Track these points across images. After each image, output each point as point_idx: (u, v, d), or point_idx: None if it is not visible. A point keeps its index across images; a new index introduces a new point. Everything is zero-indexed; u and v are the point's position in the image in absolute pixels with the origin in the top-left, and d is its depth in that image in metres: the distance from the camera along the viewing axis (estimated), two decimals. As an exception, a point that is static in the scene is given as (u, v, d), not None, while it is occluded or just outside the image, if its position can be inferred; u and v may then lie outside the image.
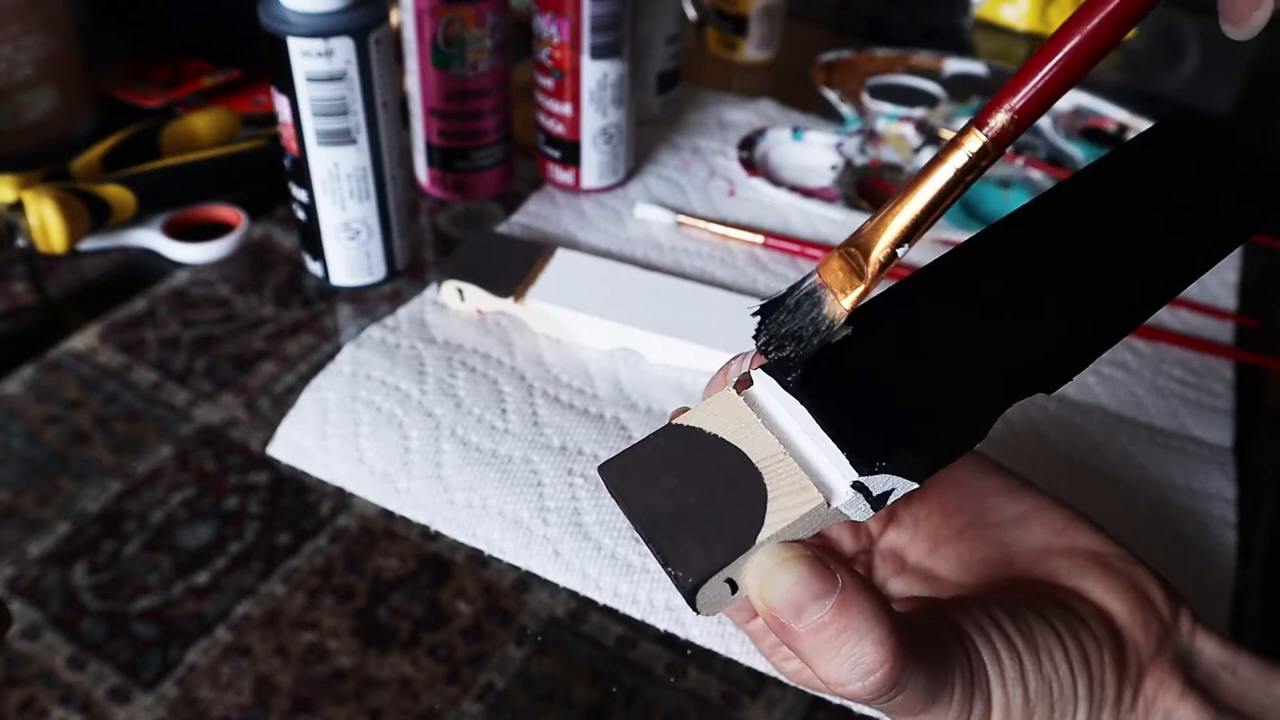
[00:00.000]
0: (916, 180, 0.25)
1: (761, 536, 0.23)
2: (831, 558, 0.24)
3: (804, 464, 0.24)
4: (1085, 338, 0.26)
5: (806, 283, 0.27)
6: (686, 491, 0.24)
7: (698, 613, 0.24)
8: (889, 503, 0.24)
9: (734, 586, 0.24)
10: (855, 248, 0.26)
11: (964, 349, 0.26)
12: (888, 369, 0.26)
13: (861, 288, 0.26)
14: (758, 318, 0.27)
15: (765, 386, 0.26)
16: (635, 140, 0.62)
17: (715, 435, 0.25)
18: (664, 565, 0.24)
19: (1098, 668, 0.27)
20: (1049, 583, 0.29)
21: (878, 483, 0.24)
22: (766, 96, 0.72)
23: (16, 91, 0.58)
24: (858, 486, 0.24)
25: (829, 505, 0.24)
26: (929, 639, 0.25)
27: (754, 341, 0.27)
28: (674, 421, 0.26)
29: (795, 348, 0.26)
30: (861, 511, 0.24)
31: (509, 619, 0.38)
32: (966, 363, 0.26)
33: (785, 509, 0.24)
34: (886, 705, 0.25)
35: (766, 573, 0.23)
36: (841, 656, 0.24)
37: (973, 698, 0.26)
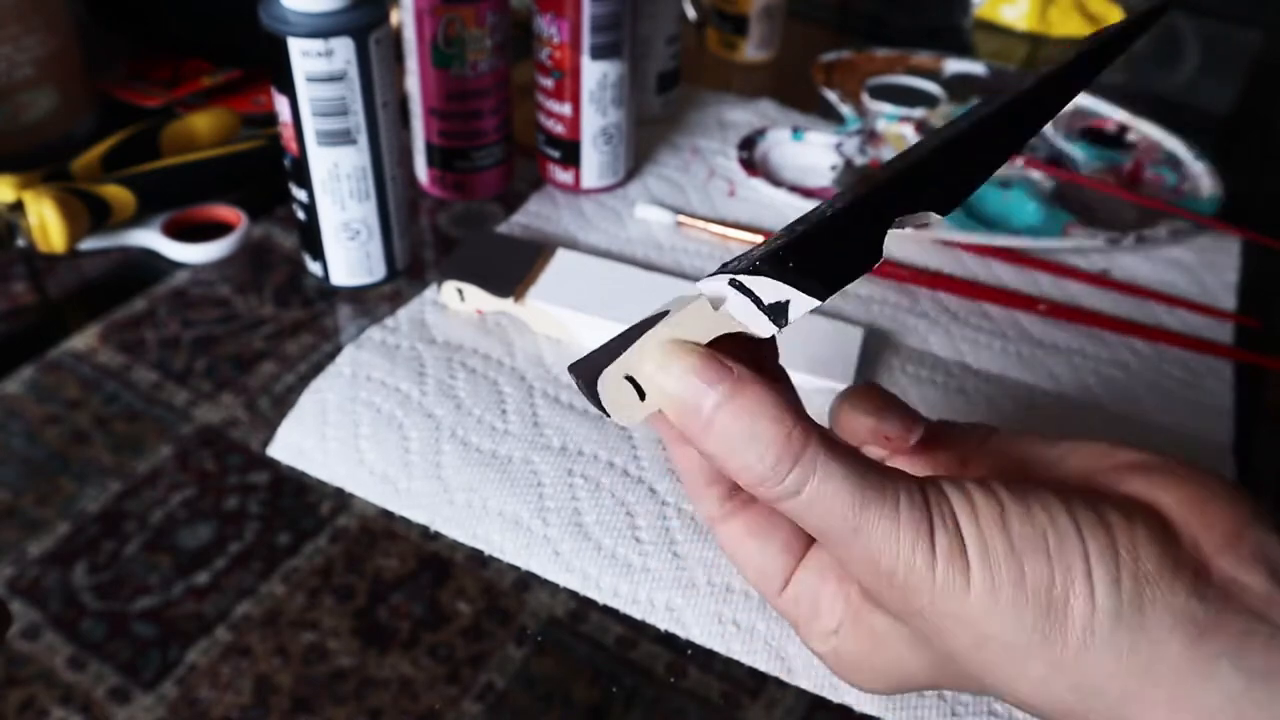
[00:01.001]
0: None
1: (651, 332, 0.25)
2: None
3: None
4: (977, 161, 0.27)
5: None
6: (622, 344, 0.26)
7: (607, 415, 0.25)
8: (790, 316, 0.25)
9: (640, 392, 0.25)
10: None
11: (867, 209, 0.26)
12: (813, 245, 0.26)
13: None
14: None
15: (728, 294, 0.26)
16: (635, 140, 0.62)
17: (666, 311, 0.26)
18: (577, 383, 0.25)
19: (1124, 536, 0.25)
20: (1098, 495, 0.27)
21: (765, 287, 0.25)
22: (766, 96, 0.72)
23: (16, 91, 0.58)
24: (735, 284, 0.25)
25: (711, 304, 0.25)
26: (862, 456, 0.25)
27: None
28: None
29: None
30: (754, 317, 0.25)
31: (509, 619, 0.38)
32: (867, 215, 0.26)
33: (676, 314, 0.26)
34: (806, 501, 0.25)
35: (659, 362, 0.25)
36: (745, 440, 0.24)
37: (930, 523, 0.25)
